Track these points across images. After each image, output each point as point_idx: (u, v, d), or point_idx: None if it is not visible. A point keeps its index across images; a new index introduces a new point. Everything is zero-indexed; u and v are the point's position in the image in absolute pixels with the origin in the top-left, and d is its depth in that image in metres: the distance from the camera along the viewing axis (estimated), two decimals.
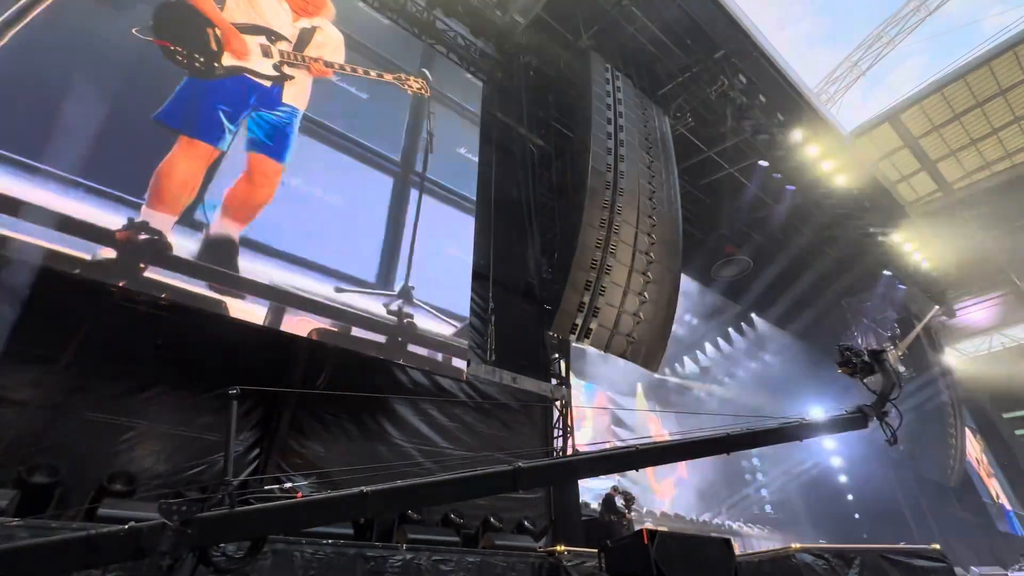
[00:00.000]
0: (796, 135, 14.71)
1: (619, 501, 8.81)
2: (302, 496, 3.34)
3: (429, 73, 10.14)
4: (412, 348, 7.27)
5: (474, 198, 9.65)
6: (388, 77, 9.38)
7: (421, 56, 10.46)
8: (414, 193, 8.58)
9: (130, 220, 5.47)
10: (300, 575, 4.40)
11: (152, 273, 5.41)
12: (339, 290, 6.82)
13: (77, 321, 5.71)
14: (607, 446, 4.42)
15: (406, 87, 9.57)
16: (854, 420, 4.85)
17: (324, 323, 6.49)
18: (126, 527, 2.00)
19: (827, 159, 15.57)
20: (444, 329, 7.80)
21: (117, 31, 6.31)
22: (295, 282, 6.44)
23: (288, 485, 6.02)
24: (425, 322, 7.60)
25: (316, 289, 6.59)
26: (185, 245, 5.81)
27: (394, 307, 7.34)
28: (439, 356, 7.56)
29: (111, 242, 5.26)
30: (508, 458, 3.45)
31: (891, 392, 4.84)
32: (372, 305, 7.09)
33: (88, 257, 5.11)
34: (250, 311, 5.95)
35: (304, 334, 6.30)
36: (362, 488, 2.63)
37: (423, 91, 9.83)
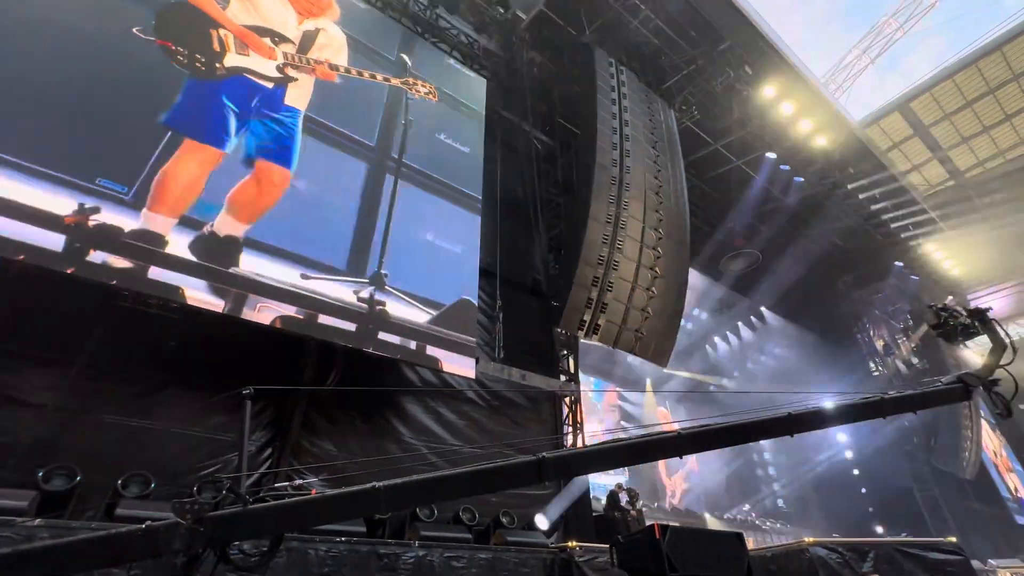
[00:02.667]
0: (805, 124, 14.56)
1: (623, 497, 8.81)
2: (315, 493, 3.36)
3: (408, 58, 9.89)
4: (383, 336, 6.99)
5: (457, 185, 9.29)
6: (395, 81, 9.30)
7: (400, 42, 10.14)
8: (389, 179, 8.29)
9: (81, 205, 5.30)
10: (315, 572, 4.46)
11: (101, 259, 5.21)
12: (305, 277, 6.61)
13: (91, 324, 5.80)
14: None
15: (414, 91, 9.49)
16: (951, 392, 4.21)
17: (289, 311, 6.28)
18: (143, 526, 2.04)
19: (836, 148, 15.40)
20: (419, 316, 7.54)
21: (103, 25, 6.32)
22: (258, 268, 6.23)
23: (298, 482, 6.08)
24: (398, 309, 7.33)
25: (280, 276, 6.38)
26: (185, 246, 5.81)
27: (365, 294, 7.09)
28: (412, 344, 7.27)
29: (60, 227, 5.10)
30: (515, 454, 3.39)
31: (1001, 357, 4.16)
32: (341, 292, 6.88)
33: (36, 244, 4.94)
34: (209, 297, 5.76)
35: (267, 322, 6.10)
36: (374, 484, 2.62)
37: (431, 96, 9.74)
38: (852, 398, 4.13)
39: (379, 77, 9.10)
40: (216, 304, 5.80)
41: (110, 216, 5.44)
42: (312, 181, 7.35)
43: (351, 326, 6.77)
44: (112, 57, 6.26)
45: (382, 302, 7.22)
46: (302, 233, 6.90)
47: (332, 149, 7.86)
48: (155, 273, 5.53)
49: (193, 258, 5.82)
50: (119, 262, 5.33)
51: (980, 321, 4.35)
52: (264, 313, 6.09)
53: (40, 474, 4.53)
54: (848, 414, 4.04)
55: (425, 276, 7.99)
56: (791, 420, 3.77)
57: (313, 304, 6.54)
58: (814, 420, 3.91)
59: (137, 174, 5.81)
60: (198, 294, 5.71)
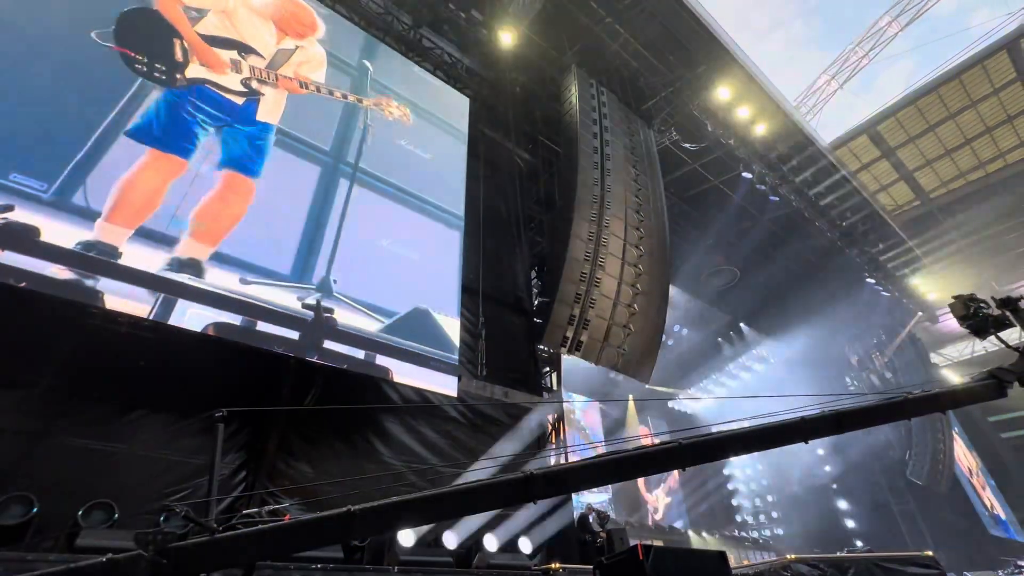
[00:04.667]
0: (778, 146, 15.05)
1: (592, 519, 8.73)
2: (289, 519, 3.24)
3: (371, 64, 9.76)
4: (329, 344, 6.76)
5: (418, 192, 9.13)
6: (368, 103, 9.24)
7: (361, 48, 9.99)
8: (344, 184, 8.10)
9: None
10: None
11: (10, 260, 4.87)
12: (244, 281, 6.31)
13: (58, 343, 5.57)
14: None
15: (387, 113, 9.41)
16: (985, 388, 3.88)
17: (224, 317, 5.99)
18: (104, 559, 1.93)
19: (806, 169, 15.94)
20: (370, 325, 7.28)
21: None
22: (191, 271, 5.95)
23: (268, 508, 5.85)
24: (347, 317, 7.06)
25: (216, 280, 6.10)
26: (144, 258, 5.62)
27: (310, 301, 6.81)
28: (361, 354, 7.04)
29: None
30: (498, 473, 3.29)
31: None
32: (284, 298, 6.60)
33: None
34: (133, 303, 5.46)
35: (199, 329, 5.79)
36: (349, 507, 2.52)
37: (404, 119, 9.67)
38: (871, 399, 3.78)
39: (351, 97, 9.02)
40: (140, 309, 5.45)
41: (25, 215, 5.11)
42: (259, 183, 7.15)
43: (294, 334, 6.49)
44: (46, 55, 6.03)
45: (330, 309, 6.94)
46: (244, 236, 6.62)
47: (283, 152, 7.67)
48: (71, 275, 5.18)
49: (129, 264, 5.50)
50: (31, 264, 4.97)
51: (1012, 310, 4.03)
52: (194, 320, 5.77)
53: None
54: (868, 417, 3.69)
55: (379, 284, 7.73)
56: (805, 426, 3.42)
57: (252, 310, 6.21)
58: (830, 425, 3.54)
59: (59, 172, 5.50)
60: (120, 299, 5.37)
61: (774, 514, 21.85)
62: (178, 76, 6.95)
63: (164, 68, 6.85)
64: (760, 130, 14.69)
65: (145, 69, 6.65)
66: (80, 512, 4.62)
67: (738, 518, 21.36)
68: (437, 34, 12.18)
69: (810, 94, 27.79)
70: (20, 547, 4.11)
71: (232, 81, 7.48)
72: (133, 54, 6.61)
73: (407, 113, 9.72)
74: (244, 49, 7.82)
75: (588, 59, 13.00)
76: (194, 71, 7.13)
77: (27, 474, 4.95)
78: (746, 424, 3.61)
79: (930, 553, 6.23)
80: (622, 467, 3.31)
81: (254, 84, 7.69)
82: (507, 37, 11.92)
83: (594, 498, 15.75)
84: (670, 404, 22.63)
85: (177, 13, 7.29)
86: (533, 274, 11.59)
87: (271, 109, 7.73)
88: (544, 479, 2.98)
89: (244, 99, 7.52)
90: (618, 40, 12.91)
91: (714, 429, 3.66)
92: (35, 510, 4.41)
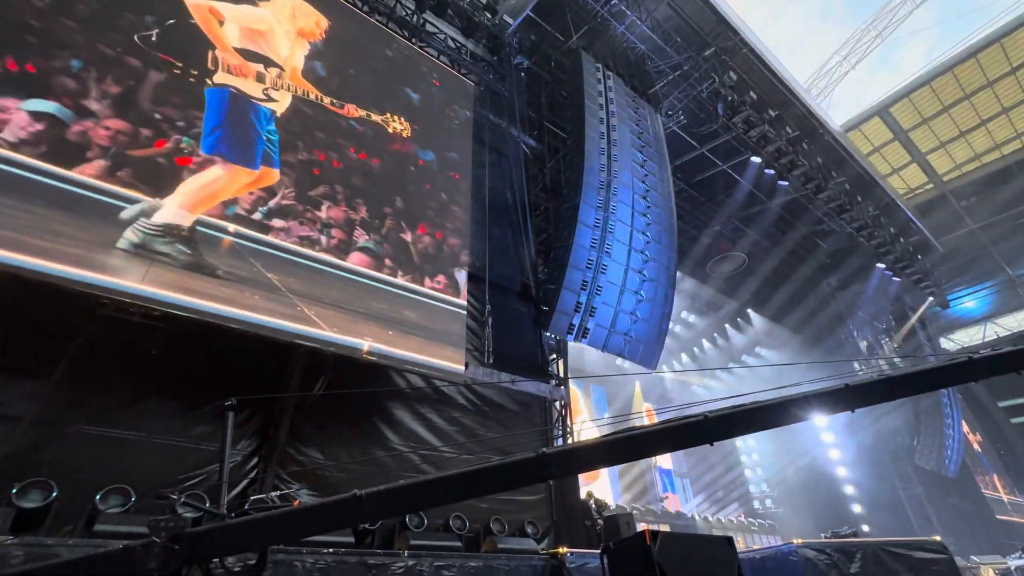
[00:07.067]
0: (788, 130, 14.79)
1: (591, 505, 8.82)
2: (299, 504, 3.29)
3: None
4: (337, 334, 6.95)
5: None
6: (376, 118, 9.14)
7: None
8: None
9: None
10: None
11: None
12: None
13: (71, 334, 5.65)
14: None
15: (390, 128, 9.31)
16: None
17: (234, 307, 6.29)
18: (120, 547, 1.97)
19: (816, 154, 15.67)
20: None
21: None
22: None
23: (278, 494, 5.95)
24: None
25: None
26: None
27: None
28: (370, 342, 7.24)
29: None
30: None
31: None
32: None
33: None
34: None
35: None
36: (355, 491, 2.55)
37: (405, 132, 9.52)
38: (926, 363, 3.55)
39: (362, 112, 8.93)
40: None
41: None
42: None
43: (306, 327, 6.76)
44: None
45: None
46: None
47: None
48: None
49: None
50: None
51: None
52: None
53: (15, 490, 4.39)
54: (925, 380, 3.36)
55: None
56: (850, 392, 3.14)
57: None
58: (879, 391, 3.26)
59: None
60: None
61: (781, 499, 21.94)
62: (208, 81, 7.12)
63: (196, 73, 7.05)
64: (770, 113, 14.43)
65: (180, 74, 6.89)
66: (98, 497, 4.72)
67: (745, 503, 21.48)
68: (440, 19, 12.00)
69: (821, 75, 27.24)
70: (40, 532, 4.22)
71: (254, 89, 7.66)
72: (174, 60, 6.85)
73: (408, 127, 9.59)
74: (268, 63, 7.98)
75: (594, 42, 12.78)
76: (220, 77, 7.31)
77: (45, 461, 5.05)
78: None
79: (938, 538, 6.24)
80: (638, 444, 3.06)
81: (271, 92, 7.85)
82: (511, 21, 11.73)
83: (599, 485, 15.89)
84: (674, 389, 22.65)
85: (212, 26, 7.45)
86: (539, 261, 11.55)
87: (278, 105, 7.89)
88: (556, 458, 2.93)
89: (259, 102, 7.73)
90: (624, 22, 12.67)
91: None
92: (54, 495, 4.51)
